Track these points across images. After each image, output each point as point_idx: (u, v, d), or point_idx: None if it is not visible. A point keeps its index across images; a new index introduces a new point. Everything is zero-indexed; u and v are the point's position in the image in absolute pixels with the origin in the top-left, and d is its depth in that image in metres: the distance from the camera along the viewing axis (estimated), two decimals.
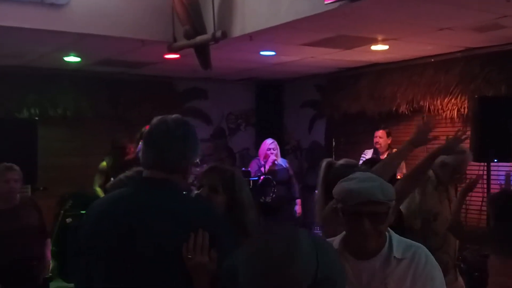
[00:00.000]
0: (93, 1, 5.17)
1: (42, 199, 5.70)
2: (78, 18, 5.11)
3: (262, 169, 6.63)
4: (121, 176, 2.57)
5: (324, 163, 2.79)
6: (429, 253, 1.99)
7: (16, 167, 4.17)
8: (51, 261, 5.48)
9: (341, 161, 2.79)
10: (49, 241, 4.50)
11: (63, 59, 6.64)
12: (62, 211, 6.50)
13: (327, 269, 1.25)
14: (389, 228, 2.01)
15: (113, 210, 1.90)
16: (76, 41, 5.61)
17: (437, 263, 1.99)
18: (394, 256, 1.94)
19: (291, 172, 6.86)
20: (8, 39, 5.42)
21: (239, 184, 2.16)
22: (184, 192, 1.96)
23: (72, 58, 6.62)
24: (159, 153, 1.91)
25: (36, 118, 6.84)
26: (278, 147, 6.85)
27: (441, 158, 3.89)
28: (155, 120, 1.97)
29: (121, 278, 1.82)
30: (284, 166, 6.80)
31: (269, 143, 6.80)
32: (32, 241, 4.15)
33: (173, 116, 1.98)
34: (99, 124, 7.60)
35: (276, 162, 6.70)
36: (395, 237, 2.00)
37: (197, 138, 1.98)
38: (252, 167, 6.81)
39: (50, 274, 5.35)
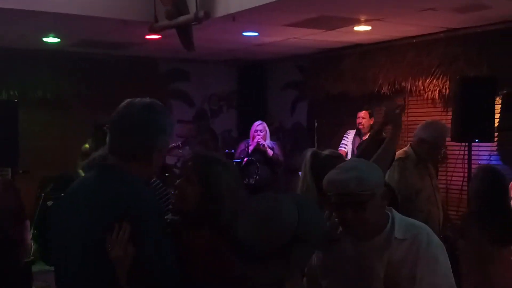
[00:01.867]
0: None
1: (23, 182, 5.64)
2: None
3: (250, 148, 6.69)
4: (96, 155, 2.54)
5: (308, 153, 2.79)
6: (432, 233, 1.98)
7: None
8: (32, 244, 5.43)
9: (326, 152, 2.80)
10: (28, 223, 4.44)
11: (42, 40, 6.52)
12: (43, 194, 6.42)
13: (307, 222, 1.69)
14: (392, 208, 2.03)
15: (67, 195, 1.95)
16: (54, 21, 5.51)
17: (441, 243, 1.97)
18: (395, 237, 1.94)
19: (277, 152, 6.90)
20: None
21: (217, 173, 1.98)
22: (134, 181, 1.83)
23: (51, 39, 6.51)
24: (116, 138, 1.86)
25: (16, 100, 6.73)
26: (267, 129, 6.94)
27: (419, 135, 3.97)
28: (122, 104, 1.90)
29: (58, 262, 1.93)
30: (272, 148, 6.86)
31: (257, 124, 6.92)
32: (10, 223, 4.09)
33: (141, 99, 1.89)
34: (80, 106, 7.51)
35: (261, 143, 6.75)
36: (398, 217, 2.01)
37: (163, 124, 1.87)
38: (240, 147, 6.88)
39: (32, 258, 5.31)
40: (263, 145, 6.75)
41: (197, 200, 1.95)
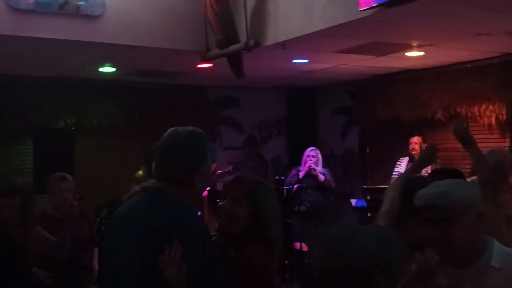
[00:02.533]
0: (126, 12, 5.22)
1: (79, 208, 5.77)
2: (112, 29, 5.18)
3: (300, 174, 6.67)
4: (137, 187, 2.60)
5: (401, 176, 2.96)
6: None
7: (70, 177, 4.24)
8: None
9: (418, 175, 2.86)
10: (96, 250, 4.54)
11: (98, 70, 6.74)
12: (98, 220, 6.56)
13: (386, 254, 1.52)
14: (491, 238, 1.95)
15: (116, 219, 2.05)
16: (110, 52, 5.68)
17: None
18: (491, 265, 1.85)
19: (329, 178, 6.88)
20: (45, 50, 5.53)
21: (264, 196, 2.07)
22: (180, 203, 1.91)
23: (107, 69, 6.71)
24: (160, 164, 1.98)
25: (73, 128, 6.92)
26: (319, 155, 6.98)
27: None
28: (166, 132, 2.03)
29: (110, 285, 2.01)
30: (324, 174, 6.85)
31: (310, 150, 6.99)
32: (82, 250, 4.20)
33: (183, 128, 2.02)
34: (133, 134, 7.66)
35: (313, 168, 6.75)
36: (497, 245, 1.92)
37: (204, 151, 1.97)
38: (291, 173, 6.92)
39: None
40: (315, 169, 6.72)
41: (245, 221, 2.02)
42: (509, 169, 3.90)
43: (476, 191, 1.96)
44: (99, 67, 6.62)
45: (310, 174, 6.73)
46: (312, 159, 6.84)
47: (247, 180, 2.14)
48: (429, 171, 5.01)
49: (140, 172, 6.47)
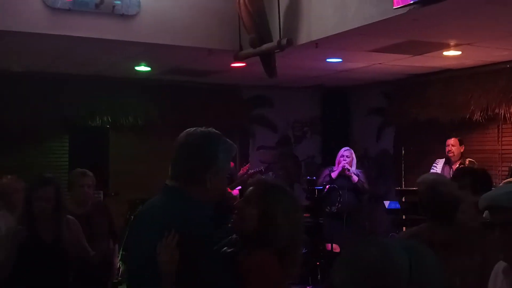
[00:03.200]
0: (161, 12, 5.28)
1: (113, 204, 5.87)
2: (147, 28, 5.24)
3: (334, 174, 6.60)
4: None
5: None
6: None
7: (90, 173, 4.29)
8: (120, 265, 5.60)
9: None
10: (117, 246, 4.59)
11: (134, 68, 6.82)
12: (132, 216, 6.66)
13: (421, 274, 1.31)
14: None
15: (135, 217, 2.21)
16: (145, 51, 5.75)
17: None
18: None
19: (362, 179, 6.80)
20: (81, 48, 5.63)
21: (275, 199, 2.05)
22: (190, 202, 1.98)
23: (142, 68, 6.79)
24: (174, 163, 2.04)
25: (108, 126, 7.03)
26: (353, 156, 6.90)
27: None
28: (182, 133, 2.10)
29: (130, 279, 2.12)
30: (357, 175, 6.78)
31: (344, 150, 6.92)
32: (102, 246, 4.24)
33: (197, 128, 2.07)
34: (167, 132, 7.70)
35: (347, 167, 6.68)
36: None
37: (215, 150, 2.02)
38: (324, 173, 6.87)
39: (120, 278, 5.48)
40: (348, 170, 6.65)
41: (254, 221, 2.03)
42: None
43: None
44: (134, 66, 6.70)
45: (344, 174, 6.66)
46: (346, 159, 6.77)
47: (262, 182, 2.21)
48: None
49: None
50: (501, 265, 1.91)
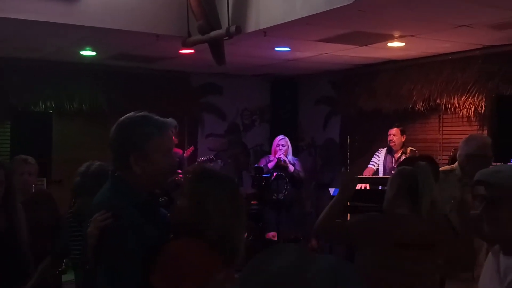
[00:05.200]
0: None
1: (57, 191, 5.74)
2: (93, 12, 5.13)
3: (270, 165, 6.58)
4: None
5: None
6: None
7: (32, 160, 4.16)
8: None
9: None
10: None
11: (79, 53, 6.67)
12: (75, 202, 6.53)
13: None
14: None
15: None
16: (91, 35, 5.63)
17: None
18: None
19: (298, 168, 6.72)
20: (25, 32, 5.46)
21: (206, 188, 2.01)
22: (124, 186, 2.04)
23: (87, 52, 6.65)
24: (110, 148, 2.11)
25: (51, 111, 6.87)
26: (289, 144, 6.77)
27: (465, 151, 3.80)
28: None
29: None
30: (293, 164, 6.70)
31: (279, 139, 6.79)
32: (45, 234, 4.15)
33: (138, 112, 2.11)
34: (114, 118, 7.50)
35: (283, 158, 6.61)
36: None
37: (136, 132, 2.03)
38: (261, 163, 6.78)
39: (64, 267, 5.38)
40: (284, 160, 6.62)
41: (186, 212, 2.01)
42: (491, 153, 3.86)
43: None
44: (79, 50, 6.56)
45: (280, 164, 6.58)
46: (282, 148, 6.67)
47: (196, 171, 2.16)
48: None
49: None
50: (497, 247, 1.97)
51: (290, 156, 6.73)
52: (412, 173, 2.76)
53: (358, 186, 6.18)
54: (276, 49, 6.32)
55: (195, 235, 1.96)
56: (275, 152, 6.71)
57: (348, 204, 6.39)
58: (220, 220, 1.97)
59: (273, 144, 6.83)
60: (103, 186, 2.12)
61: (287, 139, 6.81)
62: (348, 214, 7.63)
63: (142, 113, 2.10)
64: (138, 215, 1.97)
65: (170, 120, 2.12)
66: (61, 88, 7.27)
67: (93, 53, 6.70)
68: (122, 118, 2.11)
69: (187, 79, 8.38)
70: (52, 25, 5.10)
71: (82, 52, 6.63)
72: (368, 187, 6.07)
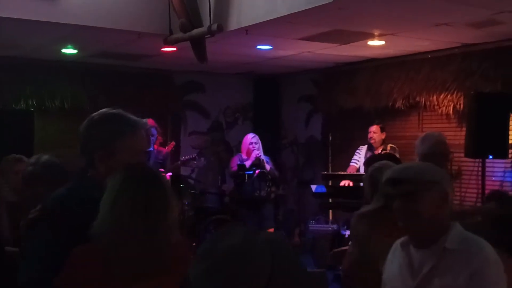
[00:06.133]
0: None
1: None
2: (74, 9, 5.11)
3: (247, 163, 6.48)
4: None
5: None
6: (487, 247, 1.88)
7: (26, 159, 4.14)
8: None
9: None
10: None
11: (60, 51, 6.64)
12: None
13: (283, 270, 1.19)
14: (457, 223, 1.98)
15: None
16: (72, 33, 5.61)
17: (497, 258, 1.86)
18: (445, 247, 1.89)
19: (271, 166, 6.67)
20: (5, 30, 5.42)
21: (113, 189, 1.86)
22: (71, 186, 2.05)
23: (69, 50, 6.62)
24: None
25: (32, 109, 6.82)
26: (260, 142, 6.69)
27: (421, 151, 3.84)
28: None
29: None
30: (266, 162, 6.67)
31: (251, 137, 6.69)
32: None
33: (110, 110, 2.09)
34: None
35: (261, 158, 6.55)
36: (457, 229, 1.95)
37: (102, 129, 2.00)
38: (234, 162, 6.65)
39: None
40: (262, 160, 6.54)
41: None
42: (448, 150, 3.93)
43: (442, 172, 2.03)
44: (61, 48, 6.52)
45: (258, 163, 6.49)
46: (255, 145, 6.58)
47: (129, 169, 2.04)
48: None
49: None
50: (398, 241, 2.08)
51: (262, 154, 6.64)
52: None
53: (342, 183, 6.25)
54: (258, 47, 6.35)
55: (90, 239, 1.78)
56: (249, 151, 6.58)
57: (330, 200, 6.50)
58: (106, 224, 1.76)
59: (245, 141, 6.69)
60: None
61: (257, 137, 6.71)
62: (330, 211, 7.73)
63: (114, 111, 2.07)
64: (79, 214, 1.85)
65: (142, 120, 2.08)
66: (42, 86, 7.23)
67: (75, 51, 6.68)
68: (94, 113, 2.07)
69: (169, 77, 8.38)
70: (34, 23, 5.08)
71: (64, 50, 6.60)
72: (350, 184, 6.15)
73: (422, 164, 2.08)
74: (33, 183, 3.17)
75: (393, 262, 2.06)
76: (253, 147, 6.58)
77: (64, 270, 1.74)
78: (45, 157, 3.56)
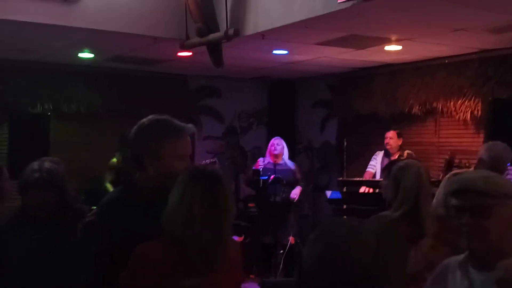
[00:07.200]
0: None
1: None
2: (91, 14, 5.13)
3: (260, 166, 6.50)
4: None
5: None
6: None
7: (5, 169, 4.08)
8: None
9: None
10: None
11: (77, 55, 6.68)
12: None
13: (386, 254, 1.33)
14: None
15: None
16: (89, 37, 5.64)
17: None
18: None
19: (298, 175, 6.67)
20: (23, 34, 5.46)
21: (183, 189, 1.95)
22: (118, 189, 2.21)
23: (85, 54, 6.66)
24: None
25: (49, 113, 6.86)
26: (284, 145, 6.71)
27: (479, 155, 3.83)
28: None
29: None
30: (289, 167, 6.66)
31: (273, 140, 6.76)
32: None
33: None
34: (111, 120, 7.63)
35: (277, 160, 6.56)
36: None
37: (151, 133, 2.08)
38: (258, 163, 6.76)
39: None
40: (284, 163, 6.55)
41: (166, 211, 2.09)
42: (503, 165, 3.89)
43: None
44: (77, 53, 6.56)
45: (272, 167, 6.49)
46: (277, 147, 6.63)
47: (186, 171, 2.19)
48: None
49: (114, 160, 6.48)
50: (451, 260, 1.86)
51: (285, 158, 6.68)
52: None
53: (361, 190, 6.19)
54: (274, 52, 6.33)
55: (167, 236, 1.87)
56: (270, 153, 6.68)
57: (345, 206, 6.44)
58: (186, 222, 1.83)
59: (269, 145, 6.80)
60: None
61: (281, 140, 6.74)
62: (345, 217, 7.66)
63: (162, 116, 2.16)
64: (128, 216, 1.98)
65: (187, 125, 2.16)
66: (59, 90, 7.27)
67: (91, 55, 6.71)
68: (143, 119, 2.15)
69: (185, 82, 8.39)
70: (50, 27, 5.11)
71: (80, 54, 6.64)
72: (368, 190, 6.09)
73: (496, 176, 1.77)
74: (36, 189, 3.12)
75: (448, 283, 1.83)
76: (274, 149, 6.61)
77: (128, 267, 1.82)
78: (47, 163, 3.54)
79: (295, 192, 6.42)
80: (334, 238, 1.33)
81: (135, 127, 2.13)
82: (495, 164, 3.80)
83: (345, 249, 1.30)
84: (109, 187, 6.45)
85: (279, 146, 6.63)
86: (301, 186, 6.62)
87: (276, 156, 6.57)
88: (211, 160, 7.06)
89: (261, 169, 6.42)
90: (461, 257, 1.82)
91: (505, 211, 1.70)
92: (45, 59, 6.88)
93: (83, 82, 7.45)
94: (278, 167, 6.46)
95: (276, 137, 6.82)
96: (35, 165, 3.04)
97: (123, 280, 1.84)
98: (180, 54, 6.26)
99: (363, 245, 1.32)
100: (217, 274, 1.86)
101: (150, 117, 2.16)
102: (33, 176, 2.96)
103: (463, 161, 5.32)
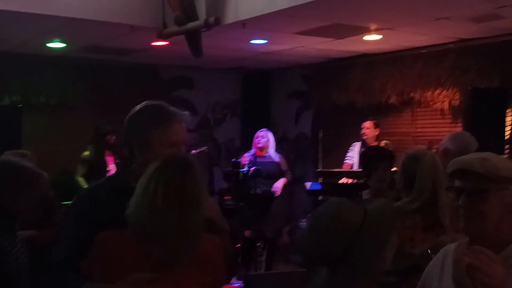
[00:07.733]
0: None
1: None
2: (65, 1, 4.94)
3: (243, 159, 6.37)
4: None
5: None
6: None
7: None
8: None
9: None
10: None
11: (46, 45, 6.44)
12: None
13: (374, 223, 1.53)
14: None
15: None
16: (62, 26, 5.43)
17: None
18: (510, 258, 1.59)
19: (283, 167, 6.55)
20: None
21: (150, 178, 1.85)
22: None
23: (56, 44, 6.43)
24: None
25: (20, 105, 6.65)
26: (269, 138, 6.57)
27: (444, 145, 3.77)
28: None
29: None
30: (273, 159, 6.54)
31: (258, 132, 6.61)
32: None
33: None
34: (83, 112, 7.45)
35: (261, 153, 6.45)
36: None
37: (144, 120, 2.01)
38: (244, 157, 6.58)
39: None
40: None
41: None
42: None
43: None
44: (47, 42, 6.33)
45: (256, 160, 6.34)
46: (261, 140, 6.48)
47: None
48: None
49: (86, 153, 6.29)
50: (450, 247, 1.80)
51: (271, 150, 6.57)
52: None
53: (342, 181, 6.14)
54: (251, 42, 6.24)
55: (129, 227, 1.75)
56: (255, 145, 6.56)
57: (321, 198, 6.39)
58: (149, 213, 1.69)
59: (255, 138, 6.61)
60: None
61: (267, 132, 6.62)
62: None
63: (156, 102, 2.08)
64: (108, 203, 1.92)
65: (180, 113, 2.06)
66: (28, 81, 7.05)
67: (63, 45, 6.48)
68: (136, 106, 2.08)
69: (157, 72, 8.22)
70: (20, 14, 4.90)
71: (50, 44, 6.41)
72: (347, 181, 6.06)
73: (497, 156, 1.66)
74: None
75: (444, 271, 1.75)
76: (258, 141, 6.47)
77: (89, 254, 1.76)
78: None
79: (276, 186, 6.34)
80: (320, 216, 1.54)
81: (129, 113, 2.07)
82: (464, 154, 3.73)
83: (327, 227, 1.50)
84: (81, 180, 6.25)
85: (263, 138, 6.50)
86: (287, 178, 6.52)
87: (261, 149, 6.47)
88: (202, 149, 6.85)
89: (247, 162, 6.30)
90: (459, 243, 1.76)
91: (504, 195, 1.61)
92: (13, 50, 6.63)
93: (54, 73, 7.24)
94: (259, 159, 6.34)
95: (262, 129, 6.68)
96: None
97: (84, 268, 1.78)
98: (154, 43, 6.09)
99: (346, 225, 1.49)
100: (182, 270, 1.71)
101: (144, 102, 2.09)
102: None
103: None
